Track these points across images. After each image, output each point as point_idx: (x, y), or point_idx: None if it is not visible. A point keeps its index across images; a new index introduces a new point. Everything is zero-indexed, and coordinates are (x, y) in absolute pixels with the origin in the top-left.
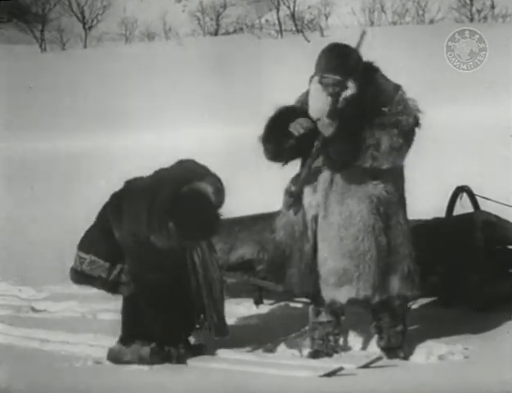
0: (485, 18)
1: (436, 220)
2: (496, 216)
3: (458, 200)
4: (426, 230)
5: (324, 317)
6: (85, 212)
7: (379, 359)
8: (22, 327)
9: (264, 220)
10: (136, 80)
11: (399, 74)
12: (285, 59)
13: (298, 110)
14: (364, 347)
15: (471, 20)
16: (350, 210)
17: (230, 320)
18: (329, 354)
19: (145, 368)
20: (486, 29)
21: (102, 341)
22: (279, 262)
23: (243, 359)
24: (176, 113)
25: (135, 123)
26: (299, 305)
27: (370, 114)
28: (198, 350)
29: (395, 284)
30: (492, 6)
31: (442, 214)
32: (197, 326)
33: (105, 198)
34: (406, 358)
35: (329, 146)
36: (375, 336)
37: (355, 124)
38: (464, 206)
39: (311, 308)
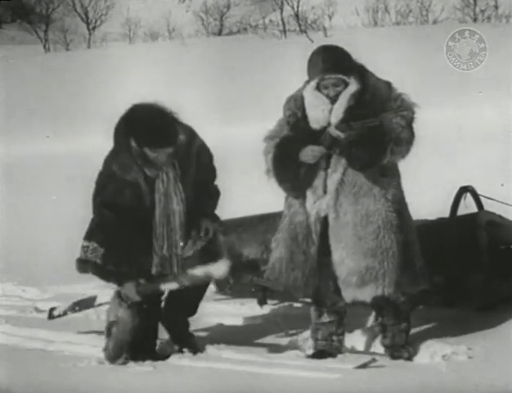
0: (488, 18)
1: (440, 220)
2: (500, 216)
3: (462, 200)
4: (430, 230)
5: (326, 317)
6: (88, 213)
7: (374, 360)
8: (26, 328)
9: (268, 220)
10: (139, 80)
11: (399, 73)
12: (288, 59)
13: (295, 137)
14: (368, 347)
15: (474, 20)
16: (366, 209)
17: (233, 320)
18: (333, 355)
19: (148, 368)
20: (486, 29)
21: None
22: (280, 265)
23: (246, 359)
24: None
25: None
26: (304, 306)
27: (375, 113)
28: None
29: (411, 281)
30: (496, 7)
31: (445, 215)
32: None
33: None
34: (410, 358)
35: (351, 147)
36: (379, 336)
37: (371, 122)
38: (468, 206)
39: (313, 309)
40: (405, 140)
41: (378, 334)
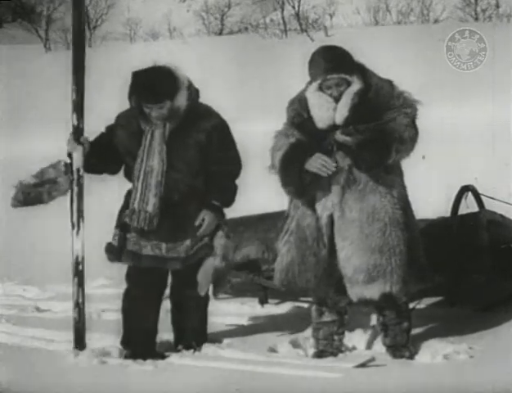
0: (490, 17)
1: (441, 220)
2: (501, 215)
3: (463, 199)
4: (431, 230)
5: (328, 317)
6: (90, 212)
7: (374, 359)
8: (27, 327)
9: (269, 220)
10: None
11: (400, 73)
12: (289, 58)
13: (303, 143)
14: (369, 346)
15: (476, 19)
16: (373, 206)
17: (234, 319)
18: (334, 354)
19: (149, 367)
20: (487, 29)
21: (107, 341)
22: (292, 269)
23: (246, 358)
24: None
25: None
26: (305, 305)
27: (379, 111)
28: None
29: (418, 277)
30: (497, 6)
31: (446, 214)
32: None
33: (111, 197)
34: (411, 357)
35: (357, 149)
36: (380, 336)
37: (376, 123)
38: (469, 206)
39: (314, 308)
40: (409, 138)
41: (379, 333)
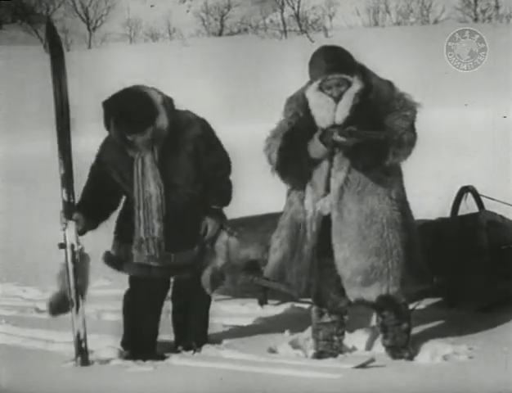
0: (489, 18)
1: (440, 220)
2: (501, 216)
3: (463, 200)
4: (431, 230)
5: (327, 317)
6: None
7: (374, 360)
8: (26, 328)
9: (269, 220)
10: (140, 81)
11: (399, 73)
12: (289, 59)
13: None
14: (369, 347)
15: (475, 20)
16: (371, 208)
17: (234, 320)
18: (334, 355)
19: (149, 368)
20: (486, 29)
21: (107, 342)
22: (283, 263)
23: (246, 359)
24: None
25: None
26: (305, 306)
27: (379, 112)
28: None
29: (416, 279)
30: (497, 7)
31: (446, 215)
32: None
33: None
34: (411, 358)
35: (354, 149)
36: (380, 336)
37: (375, 126)
38: (468, 206)
39: (313, 309)
40: (407, 142)
41: (379, 334)
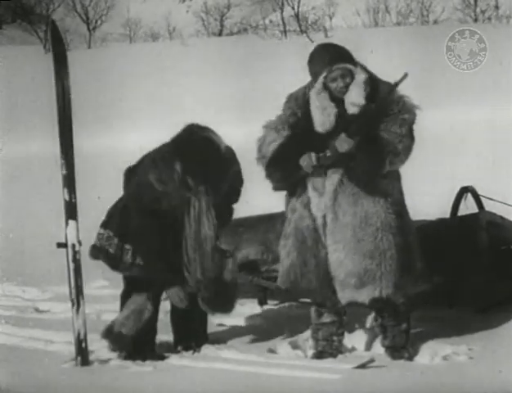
0: (489, 19)
1: (440, 221)
2: (500, 217)
3: (462, 200)
4: (430, 231)
5: (327, 317)
6: (90, 213)
7: (372, 360)
8: (26, 328)
9: (269, 221)
10: (140, 81)
11: (399, 74)
12: (289, 59)
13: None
14: (368, 347)
15: (475, 20)
16: (366, 211)
17: (234, 321)
18: (333, 355)
19: (148, 368)
20: (486, 30)
21: (106, 342)
22: (294, 271)
23: (246, 359)
24: (179, 113)
25: (138, 123)
26: (304, 306)
27: (379, 119)
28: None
29: (411, 282)
30: (496, 7)
31: (446, 215)
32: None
33: (109, 198)
34: (410, 358)
35: (349, 161)
36: (379, 337)
37: (372, 135)
38: (468, 207)
39: (313, 309)
40: (403, 150)
41: (378, 335)
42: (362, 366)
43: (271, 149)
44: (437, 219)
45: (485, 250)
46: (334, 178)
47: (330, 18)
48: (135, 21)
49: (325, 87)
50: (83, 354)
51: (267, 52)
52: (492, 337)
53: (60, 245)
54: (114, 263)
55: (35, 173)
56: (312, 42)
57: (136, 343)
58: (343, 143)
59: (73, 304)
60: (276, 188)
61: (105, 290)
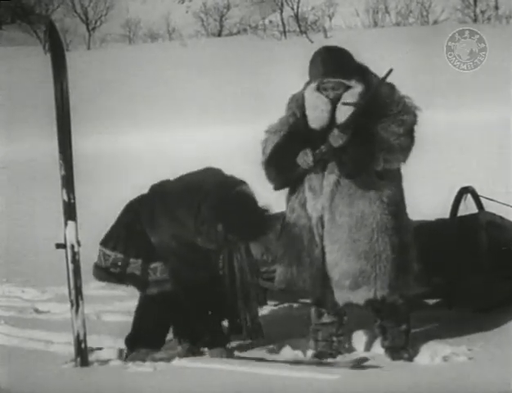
0: (489, 19)
1: (440, 221)
2: (500, 217)
3: (462, 200)
4: (430, 231)
5: (327, 318)
6: (89, 213)
7: (366, 359)
8: (25, 329)
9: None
10: (139, 81)
11: (400, 74)
12: (288, 60)
13: (296, 136)
14: (368, 348)
15: (475, 20)
16: (362, 211)
17: None
18: (333, 356)
19: (148, 368)
20: (486, 30)
21: (106, 343)
22: (291, 269)
23: (246, 359)
24: (179, 114)
25: (138, 123)
26: (304, 307)
27: (375, 117)
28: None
29: (408, 283)
30: (496, 7)
31: (445, 215)
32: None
33: (108, 199)
34: (410, 359)
35: (341, 155)
36: (379, 337)
37: (365, 131)
38: (468, 207)
39: (313, 310)
40: (400, 148)
41: (378, 335)
42: (361, 365)
43: (269, 149)
44: (437, 219)
45: (485, 250)
46: (330, 178)
47: (330, 18)
48: (134, 22)
49: (319, 90)
50: (82, 354)
51: (267, 53)
52: (492, 337)
53: (59, 245)
54: (142, 284)
55: (34, 174)
56: (312, 42)
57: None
58: (337, 138)
59: (72, 305)
60: (276, 187)
61: (104, 290)
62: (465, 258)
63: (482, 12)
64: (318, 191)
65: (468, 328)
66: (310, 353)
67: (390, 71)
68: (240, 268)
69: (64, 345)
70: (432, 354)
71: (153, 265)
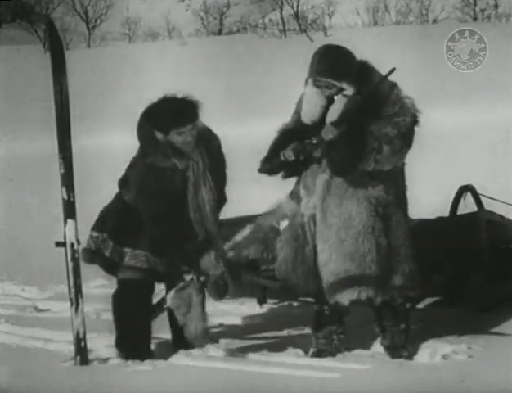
0: (488, 17)
1: (439, 220)
2: (500, 216)
3: (462, 199)
4: (430, 229)
5: (327, 316)
6: (88, 211)
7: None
8: (25, 327)
9: None
10: (139, 80)
11: (400, 73)
12: (288, 58)
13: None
14: (368, 347)
15: (474, 19)
16: (349, 212)
17: (233, 320)
18: (333, 354)
19: (148, 367)
20: (486, 29)
21: (106, 341)
22: (286, 265)
23: (246, 358)
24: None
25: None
26: (304, 305)
27: (369, 116)
28: None
29: (397, 284)
30: (496, 6)
31: (445, 214)
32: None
33: (108, 198)
34: (410, 357)
35: (331, 151)
36: (379, 336)
37: (357, 129)
38: (468, 206)
39: (314, 308)
40: (392, 150)
41: (378, 334)
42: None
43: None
44: (437, 217)
45: (484, 249)
46: (322, 177)
47: (330, 17)
48: (134, 20)
49: (316, 86)
50: (82, 353)
51: (267, 51)
52: (492, 336)
53: (58, 244)
54: (111, 266)
55: (34, 172)
56: (312, 41)
57: (131, 344)
58: (328, 132)
59: (72, 304)
60: (259, 170)
61: (103, 289)
62: (465, 256)
63: (482, 11)
64: (311, 189)
65: (468, 327)
66: (310, 351)
67: (392, 70)
68: (195, 183)
69: (63, 344)
70: (432, 353)
71: (126, 249)
